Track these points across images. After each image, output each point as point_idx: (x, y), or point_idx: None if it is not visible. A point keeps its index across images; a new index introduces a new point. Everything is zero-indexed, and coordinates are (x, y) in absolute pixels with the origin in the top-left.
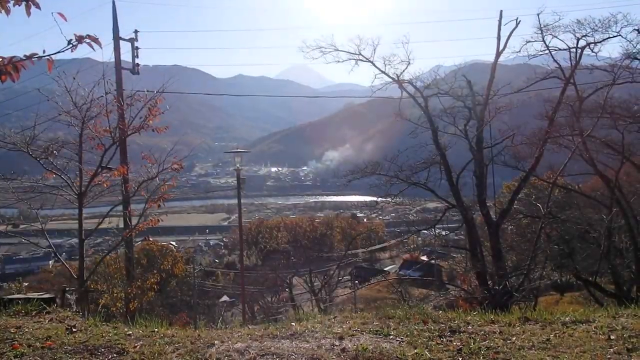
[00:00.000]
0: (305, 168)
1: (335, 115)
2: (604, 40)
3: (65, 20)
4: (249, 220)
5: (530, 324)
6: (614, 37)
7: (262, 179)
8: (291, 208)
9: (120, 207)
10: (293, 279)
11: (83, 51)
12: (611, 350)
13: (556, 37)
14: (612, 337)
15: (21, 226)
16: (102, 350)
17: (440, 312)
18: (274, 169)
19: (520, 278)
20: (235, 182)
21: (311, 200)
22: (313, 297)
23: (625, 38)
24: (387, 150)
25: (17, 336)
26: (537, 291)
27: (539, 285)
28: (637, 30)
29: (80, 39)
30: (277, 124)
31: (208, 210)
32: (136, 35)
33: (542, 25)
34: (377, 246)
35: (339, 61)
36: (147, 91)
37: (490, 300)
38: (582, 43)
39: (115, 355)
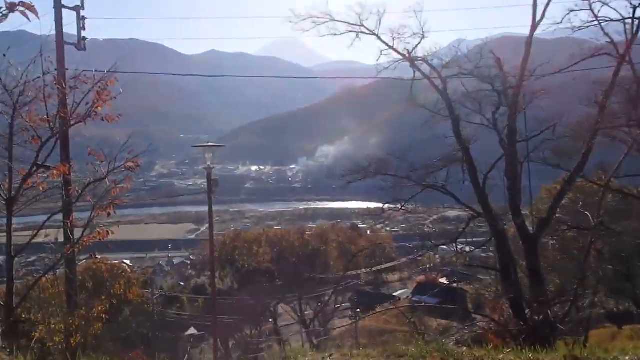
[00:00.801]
0: (293, 167)
1: (332, 101)
2: None
3: None
4: (222, 232)
5: None
6: None
7: (240, 181)
8: (276, 217)
9: (60, 216)
10: (278, 307)
11: (16, 22)
12: None
13: (607, 4)
14: None
15: None
16: None
17: (465, 348)
18: (254, 168)
19: (565, 306)
20: (206, 184)
21: (301, 207)
22: (303, 330)
23: None
24: (396, 145)
25: None
26: (588, 323)
27: (590, 315)
28: None
29: (12, 7)
30: (258, 111)
31: (171, 219)
32: (82, 3)
33: None
34: (384, 265)
35: (335, 34)
36: (96, 71)
37: (528, 334)
38: None
39: None
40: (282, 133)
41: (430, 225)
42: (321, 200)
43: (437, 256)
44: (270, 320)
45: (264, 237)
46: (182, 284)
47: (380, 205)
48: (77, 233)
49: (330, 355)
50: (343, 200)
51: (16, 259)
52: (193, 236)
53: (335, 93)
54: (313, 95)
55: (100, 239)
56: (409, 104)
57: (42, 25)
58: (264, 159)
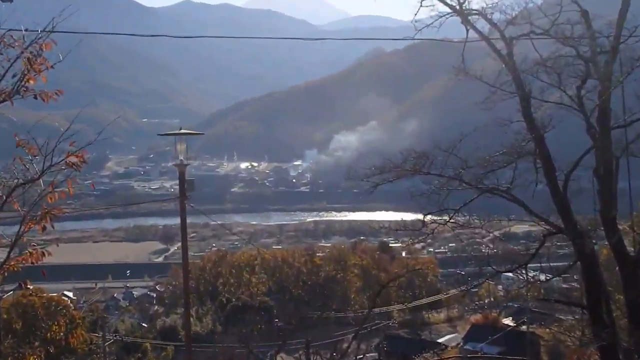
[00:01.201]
0: (298, 163)
1: (351, 72)
2: None
3: None
4: (201, 253)
5: None
6: None
7: (226, 183)
8: (275, 232)
9: None
10: (277, 358)
11: None
12: None
13: None
14: None
15: None
16: None
17: None
18: (245, 165)
19: None
20: (177, 187)
21: (309, 220)
22: None
23: None
24: (441, 132)
25: None
26: None
27: None
28: None
29: None
30: (251, 87)
31: (130, 236)
32: None
33: None
34: (426, 300)
35: None
36: (27, 30)
37: None
38: None
39: None
40: (283, 117)
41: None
42: (337, 210)
43: (500, 287)
44: None
45: (258, 261)
46: (145, 325)
47: (419, 216)
48: (1, 254)
49: None
50: (368, 210)
51: None
52: (160, 259)
53: (357, 61)
54: (326, 65)
55: (32, 263)
56: (459, 76)
57: None
58: (258, 153)
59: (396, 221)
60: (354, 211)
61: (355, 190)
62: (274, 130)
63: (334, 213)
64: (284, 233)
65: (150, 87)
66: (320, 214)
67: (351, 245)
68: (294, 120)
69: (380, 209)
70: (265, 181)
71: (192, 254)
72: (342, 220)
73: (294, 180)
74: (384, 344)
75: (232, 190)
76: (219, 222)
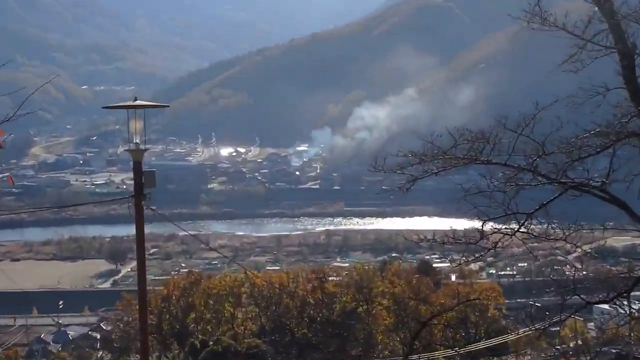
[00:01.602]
0: (303, 148)
1: (380, 19)
2: None
3: None
4: (165, 277)
5: None
6: None
7: (200, 176)
8: (270, 246)
9: None
10: None
11: None
12: None
13: None
14: None
15: None
16: None
17: None
18: (227, 152)
19: None
20: (132, 183)
21: (319, 229)
22: None
23: None
24: (506, 104)
25: None
26: None
27: None
28: None
29: None
30: (236, 40)
31: (64, 252)
32: None
33: None
34: (486, 343)
35: None
36: None
37: None
38: None
39: None
40: (282, 84)
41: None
42: (359, 215)
43: (592, 325)
44: None
45: (246, 288)
46: None
47: (476, 224)
48: None
49: None
50: (402, 215)
51: None
52: (106, 285)
53: (387, 4)
54: (341, 9)
55: None
56: (533, 23)
57: None
58: (247, 135)
59: (443, 231)
60: (382, 217)
61: (384, 188)
62: (268, 102)
63: (354, 220)
64: (284, 248)
65: (92, 41)
66: (335, 220)
67: (379, 266)
68: (296, 88)
69: (419, 214)
70: (257, 174)
71: (153, 277)
72: (365, 230)
73: (297, 173)
74: None
75: (210, 187)
76: (190, 233)
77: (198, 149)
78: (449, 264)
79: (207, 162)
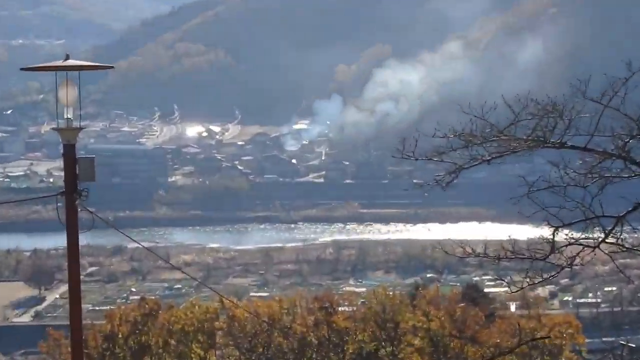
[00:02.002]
0: (302, 127)
1: None
2: None
3: None
4: (109, 306)
5: None
6: None
7: (158, 166)
8: (257, 266)
9: None
10: None
11: None
12: None
13: None
14: None
15: None
16: None
17: None
18: (195, 132)
19: None
20: (62, 175)
21: (323, 239)
22: None
23: None
24: (586, 64)
25: None
26: None
27: None
28: None
29: None
30: None
31: None
32: None
33: None
34: None
35: None
36: None
37: None
38: None
39: None
40: (273, 35)
41: None
42: (381, 220)
43: None
44: None
45: (222, 323)
46: None
47: (544, 232)
48: None
49: None
50: (440, 220)
51: None
52: (26, 317)
53: None
54: None
55: None
56: None
57: None
58: (223, 108)
59: (498, 242)
60: (413, 222)
61: (416, 181)
62: (254, 62)
63: (374, 226)
64: (275, 267)
65: None
66: (347, 228)
67: (408, 292)
68: (293, 42)
69: (465, 218)
70: (237, 163)
71: (91, 307)
72: (389, 241)
73: (293, 162)
74: None
75: (172, 180)
76: (143, 246)
77: (155, 128)
78: (506, 289)
79: (167, 145)
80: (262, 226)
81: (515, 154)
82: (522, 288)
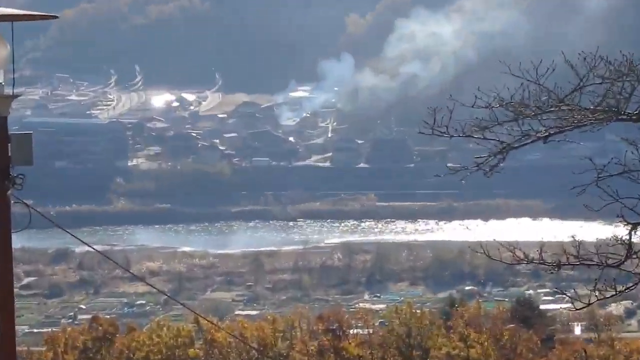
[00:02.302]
0: (302, 94)
1: None
2: None
3: None
4: (49, 329)
5: None
6: None
7: (114, 146)
8: (246, 272)
9: None
10: None
11: None
12: None
13: None
14: None
15: None
16: None
17: None
18: (162, 101)
19: None
20: None
21: (328, 243)
22: None
23: None
24: None
25: None
26: None
27: None
28: None
29: None
30: None
31: None
32: None
33: None
34: None
35: None
36: None
37: None
38: None
39: None
40: None
41: None
42: (405, 217)
43: None
44: None
45: (198, 349)
46: None
47: (620, 230)
48: None
49: None
50: (482, 216)
51: None
52: None
53: None
54: None
55: None
56: None
57: None
58: (199, 70)
59: (558, 244)
60: (446, 218)
61: (450, 166)
62: (239, 11)
63: (395, 224)
64: (267, 276)
65: None
66: (362, 226)
67: (440, 308)
68: None
69: (515, 213)
70: (217, 141)
71: (28, 329)
72: (415, 243)
73: (291, 140)
74: None
75: (132, 164)
76: (96, 249)
77: (110, 96)
78: (569, 305)
79: (127, 119)
80: (250, 224)
81: (579, 129)
82: (589, 304)
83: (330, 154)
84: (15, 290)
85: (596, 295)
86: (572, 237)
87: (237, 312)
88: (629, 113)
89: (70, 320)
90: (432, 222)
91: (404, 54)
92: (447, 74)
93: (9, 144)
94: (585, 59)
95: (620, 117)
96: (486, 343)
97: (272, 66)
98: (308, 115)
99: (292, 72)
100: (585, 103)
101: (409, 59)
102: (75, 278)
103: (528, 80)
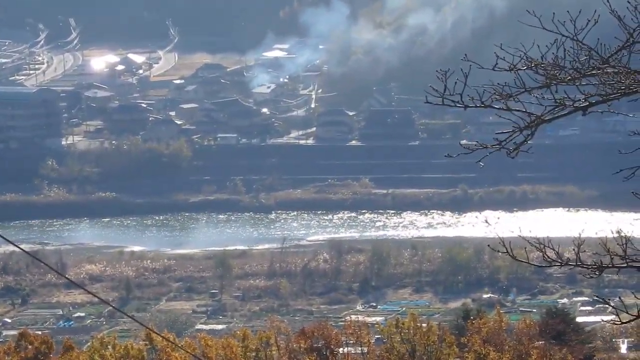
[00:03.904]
0: (278, 54)
1: None
2: None
3: None
4: None
5: None
6: None
7: (44, 119)
8: (210, 277)
9: None
10: None
11: None
12: None
13: None
14: None
15: None
16: None
17: None
18: (103, 62)
19: None
20: None
21: (311, 240)
22: None
23: None
24: None
25: None
26: None
27: None
28: None
29: None
30: None
31: None
32: None
33: None
34: None
35: None
36: None
37: None
38: None
39: None
40: None
41: None
42: (408, 207)
43: None
44: None
45: None
46: None
47: None
48: None
49: None
50: (504, 207)
51: None
52: None
53: None
54: None
55: None
56: None
57: None
58: (150, 25)
59: (598, 240)
60: (459, 210)
61: (465, 143)
62: None
63: (395, 217)
64: (235, 281)
65: None
66: (353, 217)
67: (452, 320)
68: None
69: (543, 203)
70: (173, 114)
71: None
72: (420, 240)
73: (265, 112)
74: None
75: (67, 143)
76: (22, 249)
77: (40, 57)
78: (613, 317)
79: (60, 86)
80: (214, 216)
81: (628, 98)
82: (638, 316)
83: (313, 129)
84: None
85: None
86: (618, 232)
87: (198, 327)
88: None
89: None
90: (441, 214)
91: (410, 1)
92: (463, 28)
93: None
94: (636, 8)
95: None
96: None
97: (241, 17)
98: (286, 80)
99: (266, 25)
100: (636, 64)
101: (416, 7)
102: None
103: (564, 36)
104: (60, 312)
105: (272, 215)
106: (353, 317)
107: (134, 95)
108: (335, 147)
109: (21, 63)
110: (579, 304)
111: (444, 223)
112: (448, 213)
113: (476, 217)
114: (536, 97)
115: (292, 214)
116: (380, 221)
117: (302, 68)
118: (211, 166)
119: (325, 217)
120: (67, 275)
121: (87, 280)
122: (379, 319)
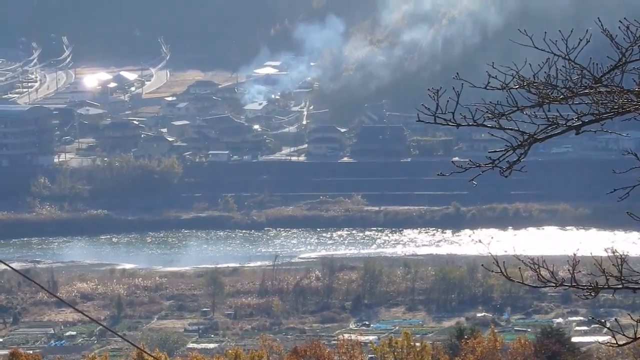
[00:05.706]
0: (270, 72)
1: None
2: None
3: None
4: None
5: None
6: None
7: (36, 137)
8: (201, 295)
9: None
10: None
11: None
12: None
13: None
14: None
15: None
16: None
17: None
18: (95, 80)
19: None
20: None
21: (304, 258)
22: None
23: None
24: None
25: None
26: None
27: None
28: None
29: None
30: None
31: None
32: None
33: None
34: None
35: None
36: None
37: None
38: None
39: None
40: None
41: None
42: (400, 225)
43: None
44: None
45: None
46: None
47: None
48: None
49: None
50: (496, 224)
51: None
52: None
53: None
54: None
55: None
56: None
57: None
58: (142, 43)
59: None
60: (453, 228)
61: (457, 161)
62: None
63: (389, 235)
64: (227, 299)
65: None
66: (346, 234)
67: (445, 340)
68: None
69: (537, 222)
70: (165, 131)
71: None
72: (412, 258)
73: (256, 128)
74: None
75: (59, 160)
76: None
77: (32, 75)
78: (609, 338)
79: (52, 103)
80: (205, 233)
81: (621, 117)
82: (635, 339)
83: (305, 146)
84: None
85: None
86: (613, 251)
87: (190, 345)
88: None
89: None
90: (434, 232)
91: (404, 17)
92: (455, 45)
93: None
94: (628, 28)
95: None
96: None
97: (233, 34)
98: (278, 97)
99: (258, 42)
100: (629, 84)
101: (410, 24)
102: None
103: (556, 55)
104: (52, 331)
105: (264, 233)
106: (346, 335)
107: (126, 113)
108: (327, 163)
109: (14, 81)
110: (574, 323)
111: (437, 241)
112: (440, 230)
113: (469, 235)
114: (529, 115)
115: (284, 231)
116: (372, 238)
117: (293, 85)
118: (203, 183)
119: (317, 235)
120: (58, 294)
121: (79, 298)
122: (371, 337)
